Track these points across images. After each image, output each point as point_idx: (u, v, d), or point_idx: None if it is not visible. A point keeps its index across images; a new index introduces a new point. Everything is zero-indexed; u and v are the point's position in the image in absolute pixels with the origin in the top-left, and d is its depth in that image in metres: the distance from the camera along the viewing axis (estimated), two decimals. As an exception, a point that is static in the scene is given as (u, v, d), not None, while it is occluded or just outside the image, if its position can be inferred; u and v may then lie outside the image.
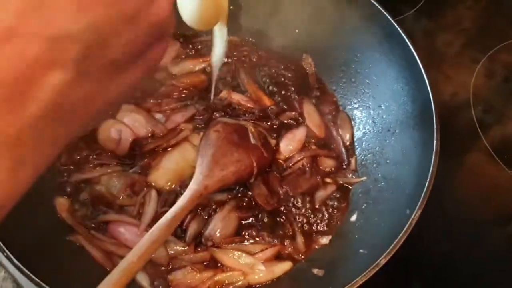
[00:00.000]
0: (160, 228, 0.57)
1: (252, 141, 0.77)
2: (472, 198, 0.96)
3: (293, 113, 0.87)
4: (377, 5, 0.82)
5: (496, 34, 1.18)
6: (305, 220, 0.77)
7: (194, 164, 0.79)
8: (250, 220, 0.77)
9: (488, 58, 1.13)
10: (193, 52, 0.94)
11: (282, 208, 0.78)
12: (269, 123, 0.86)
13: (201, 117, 0.85)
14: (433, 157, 0.69)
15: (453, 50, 1.17)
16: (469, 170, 0.99)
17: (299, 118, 0.87)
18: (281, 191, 0.79)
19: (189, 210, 0.67)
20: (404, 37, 0.79)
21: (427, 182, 0.67)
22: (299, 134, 0.85)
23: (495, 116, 1.06)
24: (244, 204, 0.77)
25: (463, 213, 0.93)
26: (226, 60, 0.91)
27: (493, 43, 1.14)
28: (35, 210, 0.70)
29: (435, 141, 0.70)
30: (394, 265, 0.62)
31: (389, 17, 0.81)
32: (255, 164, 0.75)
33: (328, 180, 0.81)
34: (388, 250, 0.62)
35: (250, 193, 0.78)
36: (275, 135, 0.85)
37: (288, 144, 0.84)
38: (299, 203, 0.78)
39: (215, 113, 0.85)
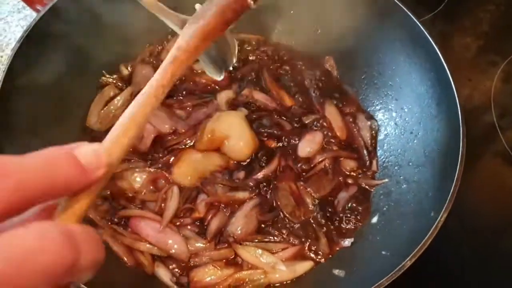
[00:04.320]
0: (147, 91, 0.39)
1: None
2: (492, 202, 0.95)
3: (315, 114, 0.87)
4: (401, 5, 0.82)
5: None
6: (328, 222, 0.77)
7: (215, 163, 0.80)
8: (270, 223, 0.77)
9: (509, 62, 1.12)
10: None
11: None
12: (290, 123, 0.85)
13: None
14: (459, 160, 0.68)
15: (472, 54, 1.16)
16: (489, 173, 0.98)
17: (321, 119, 0.87)
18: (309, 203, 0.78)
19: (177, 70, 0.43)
20: (430, 39, 0.78)
21: (453, 185, 0.66)
22: (318, 136, 0.85)
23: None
24: (265, 205, 0.77)
25: (482, 217, 0.93)
26: (250, 58, 0.91)
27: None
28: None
29: (461, 144, 0.69)
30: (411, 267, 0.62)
31: (414, 18, 0.81)
32: None
33: (349, 181, 0.81)
34: (414, 252, 0.61)
35: (273, 194, 0.77)
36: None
37: (307, 146, 0.84)
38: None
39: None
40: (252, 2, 0.45)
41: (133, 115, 0.33)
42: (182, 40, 0.40)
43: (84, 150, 0.27)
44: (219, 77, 0.63)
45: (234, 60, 0.62)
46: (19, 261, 0.22)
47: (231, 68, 0.63)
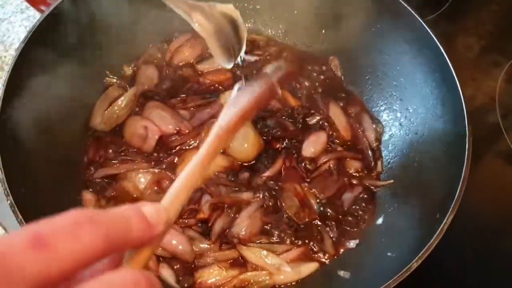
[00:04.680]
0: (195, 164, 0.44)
1: None
2: (495, 202, 0.95)
3: (319, 115, 0.87)
4: (406, 5, 0.81)
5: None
6: (333, 223, 0.77)
7: (219, 163, 0.80)
8: (275, 224, 0.76)
9: (512, 62, 1.12)
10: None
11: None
12: (295, 124, 0.85)
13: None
14: (465, 161, 0.68)
15: (476, 54, 1.16)
16: (493, 173, 0.98)
17: (325, 119, 0.86)
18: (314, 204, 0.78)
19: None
20: (435, 39, 0.78)
21: (459, 187, 0.66)
22: (322, 136, 0.85)
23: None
24: (269, 206, 0.76)
25: (485, 217, 0.92)
26: (254, 58, 0.91)
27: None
28: (61, 205, 0.70)
29: (467, 145, 0.69)
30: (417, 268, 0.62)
31: (419, 18, 0.80)
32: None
33: (354, 182, 0.81)
34: (420, 254, 0.61)
35: (277, 195, 0.77)
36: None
37: (312, 146, 0.84)
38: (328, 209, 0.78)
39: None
40: (280, 92, 0.53)
41: (184, 181, 0.39)
42: (222, 121, 0.46)
43: (149, 208, 0.32)
44: (229, 65, 0.63)
45: (244, 48, 0.62)
46: None
47: (240, 57, 0.62)
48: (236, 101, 0.49)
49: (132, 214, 0.31)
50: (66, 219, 0.27)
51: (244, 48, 0.63)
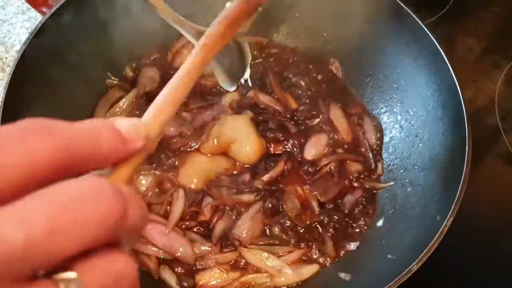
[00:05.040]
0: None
1: None
2: (495, 203, 0.95)
3: (320, 116, 0.87)
4: (406, 8, 0.82)
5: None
6: (334, 225, 0.77)
7: (221, 165, 0.80)
8: (276, 226, 0.77)
9: (512, 65, 1.12)
10: (219, 53, 0.94)
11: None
12: (295, 126, 0.85)
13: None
14: (465, 164, 0.68)
15: (476, 56, 1.16)
16: (493, 175, 0.99)
17: (326, 122, 0.87)
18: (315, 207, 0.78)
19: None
20: (435, 42, 0.78)
21: (459, 189, 0.66)
22: (323, 138, 0.85)
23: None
24: (271, 208, 0.77)
25: (485, 218, 0.92)
26: (255, 60, 0.91)
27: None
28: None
29: (467, 148, 0.70)
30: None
31: (419, 21, 0.81)
32: None
33: (355, 184, 0.81)
34: (420, 256, 0.61)
35: (279, 197, 0.78)
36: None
37: (313, 148, 0.84)
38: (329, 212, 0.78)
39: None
40: None
41: (170, 95, 0.36)
42: (210, 29, 0.43)
43: (124, 122, 0.28)
44: (232, 88, 0.63)
45: (248, 72, 0.62)
46: (74, 207, 0.22)
47: (243, 80, 0.63)
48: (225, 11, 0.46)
49: (103, 126, 0.27)
50: (14, 126, 0.23)
51: (248, 72, 0.63)
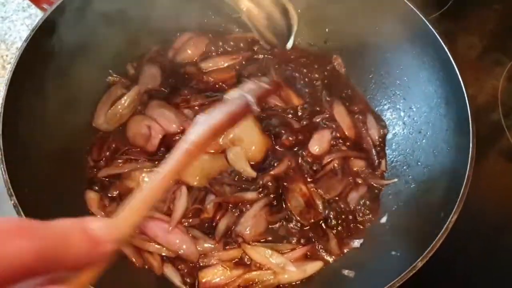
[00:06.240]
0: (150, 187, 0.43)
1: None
2: (497, 200, 0.95)
3: (323, 113, 0.87)
4: (409, 4, 0.81)
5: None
6: (338, 223, 0.77)
7: (224, 163, 0.79)
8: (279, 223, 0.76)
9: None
10: (222, 50, 0.93)
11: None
12: (298, 123, 0.85)
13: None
14: (469, 160, 0.68)
15: (478, 53, 1.16)
16: (495, 171, 0.98)
17: (329, 118, 0.86)
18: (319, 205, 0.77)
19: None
20: (439, 38, 0.78)
21: (463, 186, 0.66)
22: (327, 134, 0.85)
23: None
24: (274, 205, 0.76)
25: (488, 215, 0.92)
26: (256, 56, 0.91)
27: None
28: (65, 205, 0.70)
29: (471, 144, 0.69)
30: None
31: (422, 17, 0.80)
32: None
33: (359, 181, 0.81)
34: (425, 253, 0.61)
35: (282, 195, 0.77)
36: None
37: (316, 145, 0.84)
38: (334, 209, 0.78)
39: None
40: (257, 109, 0.52)
41: (143, 197, 0.37)
42: (192, 136, 0.45)
43: (96, 224, 0.29)
44: (288, 46, 0.63)
45: (295, 28, 0.62)
46: None
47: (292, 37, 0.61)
48: (208, 117, 0.48)
49: (74, 229, 0.28)
50: None
51: (294, 33, 0.63)
